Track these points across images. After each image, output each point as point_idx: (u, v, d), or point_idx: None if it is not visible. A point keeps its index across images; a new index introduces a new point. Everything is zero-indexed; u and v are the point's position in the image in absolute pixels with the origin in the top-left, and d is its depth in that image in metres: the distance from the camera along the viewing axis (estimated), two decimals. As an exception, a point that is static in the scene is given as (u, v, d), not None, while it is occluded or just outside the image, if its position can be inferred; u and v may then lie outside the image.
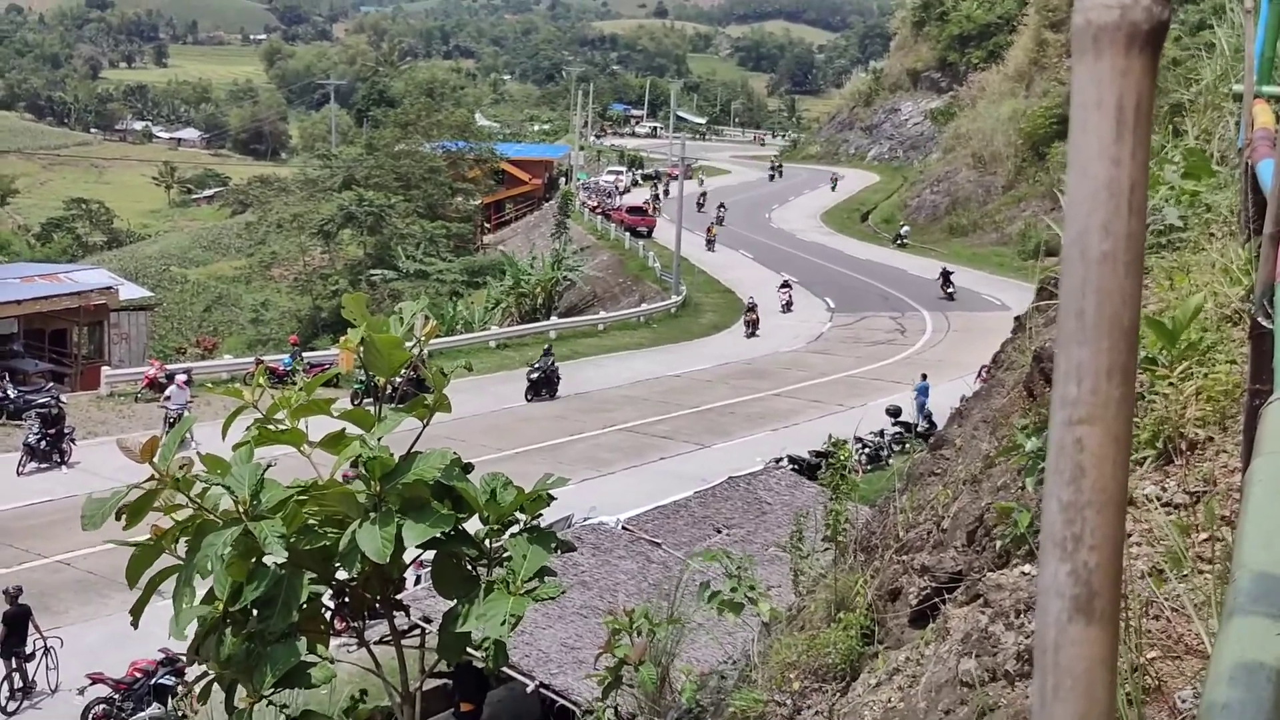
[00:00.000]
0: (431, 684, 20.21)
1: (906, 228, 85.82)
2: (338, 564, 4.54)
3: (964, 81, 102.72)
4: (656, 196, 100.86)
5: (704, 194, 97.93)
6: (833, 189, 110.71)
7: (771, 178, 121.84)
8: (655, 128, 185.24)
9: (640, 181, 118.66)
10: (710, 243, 77.69)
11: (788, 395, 44.19)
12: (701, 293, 65.96)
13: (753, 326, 55.70)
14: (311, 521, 4.63)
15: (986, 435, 9.60)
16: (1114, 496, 0.97)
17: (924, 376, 39.86)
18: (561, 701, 17.85)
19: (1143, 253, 0.96)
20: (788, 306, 60.56)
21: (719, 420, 40.89)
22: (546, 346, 46.88)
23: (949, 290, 65.24)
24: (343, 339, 4.69)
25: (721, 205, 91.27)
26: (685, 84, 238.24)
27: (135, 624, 4.60)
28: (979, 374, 27.01)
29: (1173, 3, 1.00)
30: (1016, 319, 13.01)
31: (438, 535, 4.51)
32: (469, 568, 4.82)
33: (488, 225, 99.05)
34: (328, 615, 4.81)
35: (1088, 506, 0.97)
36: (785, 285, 62.15)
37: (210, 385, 41.36)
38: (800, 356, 51.85)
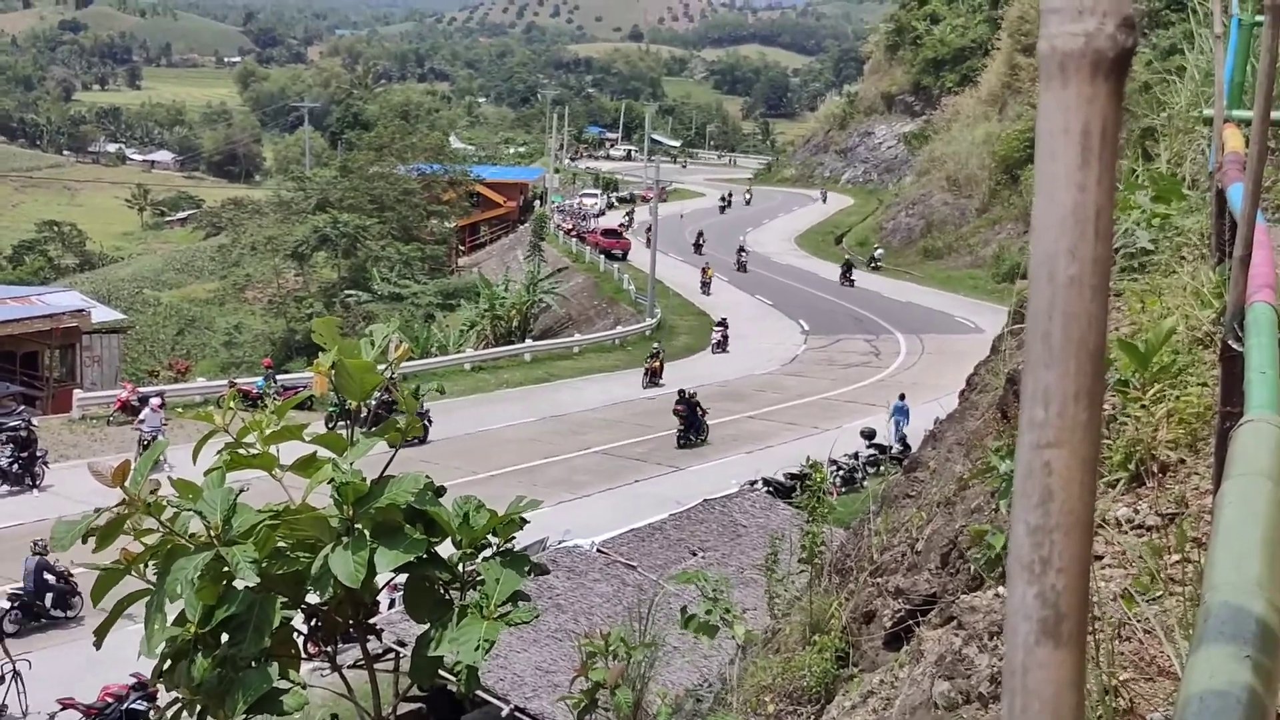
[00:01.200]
0: (405, 708, 20.11)
1: (880, 250, 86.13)
2: (310, 588, 4.52)
3: (938, 105, 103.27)
4: (631, 217, 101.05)
5: (701, 233, 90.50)
6: (824, 201, 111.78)
7: (722, 209, 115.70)
8: (630, 150, 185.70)
9: (616, 204, 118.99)
10: (705, 285, 72.43)
11: (762, 417, 44.23)
12: (676, 315, 66.05)
13: (652, 376, 50.01)
14: (283, 545, 4.61)
15: (960, 457, 9.64)
16: (1081, 519, 0.98)
17: (902, 396, 39.94)
18: (536, 726, 17.78)
19: (1109, 277, 0.97)
20: (719, 346, 57.93)
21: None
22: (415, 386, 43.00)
23: (850, 279, 75.74)
24: (315, 362, 4.68)
25: (742, 249, 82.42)
26: (660, 107, 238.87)
27: (98, 645, 4.56)
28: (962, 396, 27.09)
29: (1139, 29, 1.01)
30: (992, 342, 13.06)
31: (410, 559, 4.49)
32: (442, 591, 4.80)
33: (462, 248, 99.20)
34: (300, 640, 4.79)
35: (1055, 530, 0.97)
36: (721, 324, 59.46)
37: (182, 409, 41.23)
38: (775, 379, 51.90)
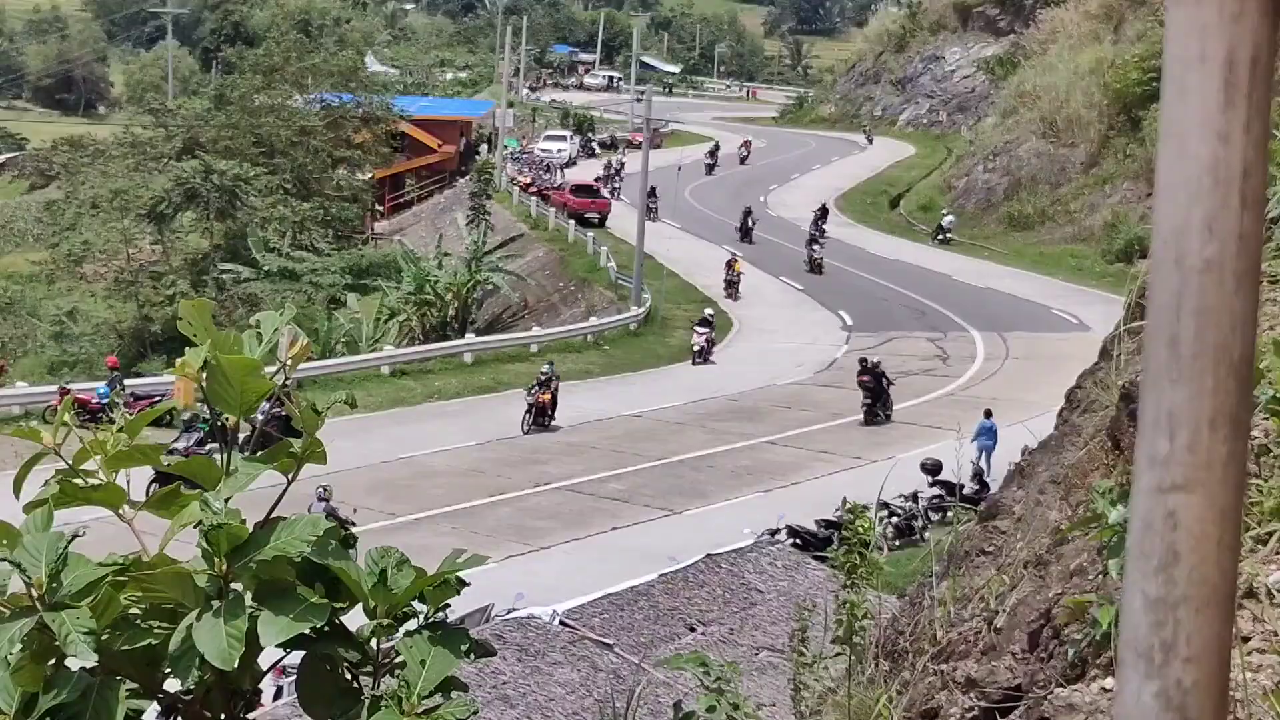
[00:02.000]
0: (296, 836, 20.08)
1: (951, 218, 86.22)
2: (168, 671, 4.52)
3: (1031, 21, 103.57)
4: (616, 174, 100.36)
5: (750, 212, 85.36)
6: (869, 143, 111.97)
7: (710, 168, 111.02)
8: (612, 78, 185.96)
9: (597, 150, 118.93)
10: (731, 285, 69.97)
11: (787, 443, 44.29)
12: (672, 302, 66.12)
13: (537, 413, 46.43)
14: (133, 612, 4.60)
15: (1056, 501, 9.65)
16: (1218, 590, 0.97)
17: (988, 414, 40.02)
18: None
19: (1259, 259, 0.96)
20: (702, 354, 57.70)
21: (693, 476, 40.95)
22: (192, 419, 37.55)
23: (820, 230, 77.56)
24: (179, 361, 4.67)
25: (814, 240, 77.68)
26: (653, 19, 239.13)
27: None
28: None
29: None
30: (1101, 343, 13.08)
31: (306, 632, 4.49)
32: (348, 677, 4.80)
33: (381, 208, 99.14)
34: (153, 741, 4.79)
35: (1182, 604, 0.96)
36: (705, 323, 58.90)
37: (-4, 423, 41.16)
38: (804, 390, 52.00)
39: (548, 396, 46.45)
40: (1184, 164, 0.98)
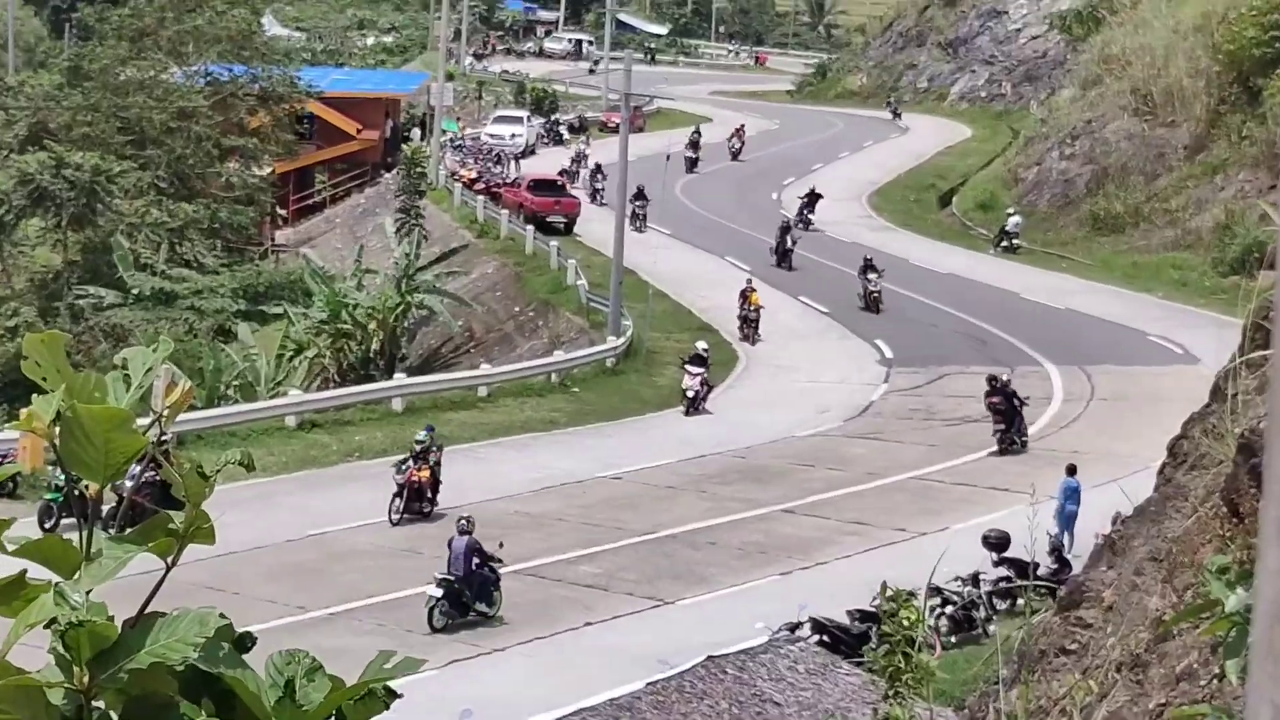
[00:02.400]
0: None
1: (1018, 219, 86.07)
2: (13, 813, 4.50)
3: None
4: (598, 171, 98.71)
5: (789, 229, 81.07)
6: (896, 119, 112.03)
7: (691, 164, 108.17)
8: (580, 42, 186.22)
9: (566, 136, 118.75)
10: (749, 322, 67.53)
11: (808, 511, 44.27)
12: (661, 332, 66.03)
13: (413, 496, 43.18)
14: (-33, 737, 4.59)
15: (1157, 584, 9.67)
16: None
17: (1071, 471, 39.98)
18: None
19: None
20: (695, 404, 57.01)
21: (689, 556, 40.92)
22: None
23: (807, 218, 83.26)
24: (24, 413, 4.65)
25: (870, 267, 73.61)
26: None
27: None
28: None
29: None
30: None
31: (191, 761, 4.48)
32: (247, 819, 4.78)
33: (283, 212, 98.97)
34: None
35: (1324, 716, 0.97)
36: (698, 361, 57.54)
37: None
38: (831, 443, 52.02)
39: (426, 474, 43.27)
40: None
